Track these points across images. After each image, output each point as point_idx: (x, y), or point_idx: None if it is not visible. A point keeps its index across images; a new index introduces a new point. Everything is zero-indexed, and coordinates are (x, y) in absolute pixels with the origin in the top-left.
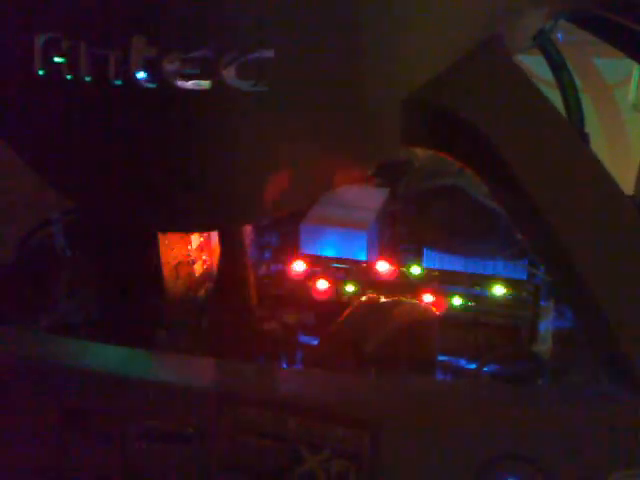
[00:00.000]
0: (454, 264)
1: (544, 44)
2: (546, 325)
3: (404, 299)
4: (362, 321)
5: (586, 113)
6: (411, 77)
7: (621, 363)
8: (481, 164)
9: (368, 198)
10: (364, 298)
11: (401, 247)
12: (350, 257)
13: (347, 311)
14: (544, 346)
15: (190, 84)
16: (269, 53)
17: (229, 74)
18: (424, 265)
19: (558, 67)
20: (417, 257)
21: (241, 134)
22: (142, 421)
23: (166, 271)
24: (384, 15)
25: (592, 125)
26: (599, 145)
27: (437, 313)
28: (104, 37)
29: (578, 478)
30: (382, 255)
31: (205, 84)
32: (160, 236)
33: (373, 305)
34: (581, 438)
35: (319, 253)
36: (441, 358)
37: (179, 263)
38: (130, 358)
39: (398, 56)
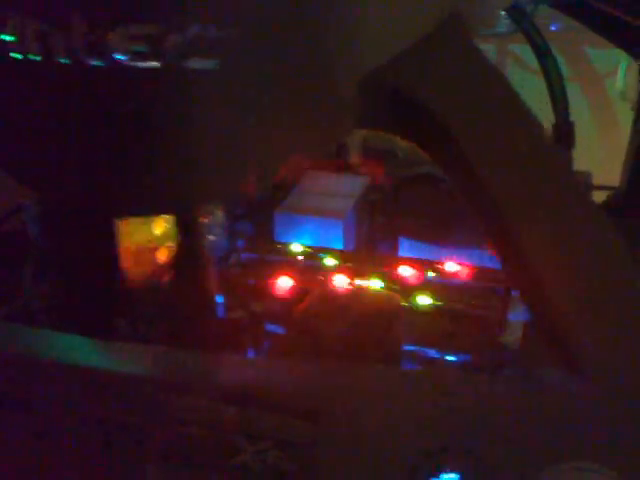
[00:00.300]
0: (429, 253)
1: (528, 30)
2: (517, 315)
3: (370, 287)
4: (323, 309)
5: (576, 102)
6: (368, 58)
7: (565, 351)
8: (437, 147)
9: (347, 186)
10: (326, 286)
11: (378, 236)
12: (326, 246)
13: (309, 299)
14: (513, 336)
15: (136, 62)
16: (217, 30)
17: (176, 52)
18: (400, 254)
19: (543, 54)
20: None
21: (193, 115)
22: (80, 409)
23: (125, 257)
24: None
25: (582, 114)
26: (589, 134)
27: (401, 302)
28: (46, 12)
29: (515, 470)
30: (360, 244)
31: (152, 62)
32: (118, 222)
33: (335, 293)
34: (519, 429)
35: (294, 241)
36: (410, 348)
37: (140, 249)
38: (72, 345)
39: (355, 36)
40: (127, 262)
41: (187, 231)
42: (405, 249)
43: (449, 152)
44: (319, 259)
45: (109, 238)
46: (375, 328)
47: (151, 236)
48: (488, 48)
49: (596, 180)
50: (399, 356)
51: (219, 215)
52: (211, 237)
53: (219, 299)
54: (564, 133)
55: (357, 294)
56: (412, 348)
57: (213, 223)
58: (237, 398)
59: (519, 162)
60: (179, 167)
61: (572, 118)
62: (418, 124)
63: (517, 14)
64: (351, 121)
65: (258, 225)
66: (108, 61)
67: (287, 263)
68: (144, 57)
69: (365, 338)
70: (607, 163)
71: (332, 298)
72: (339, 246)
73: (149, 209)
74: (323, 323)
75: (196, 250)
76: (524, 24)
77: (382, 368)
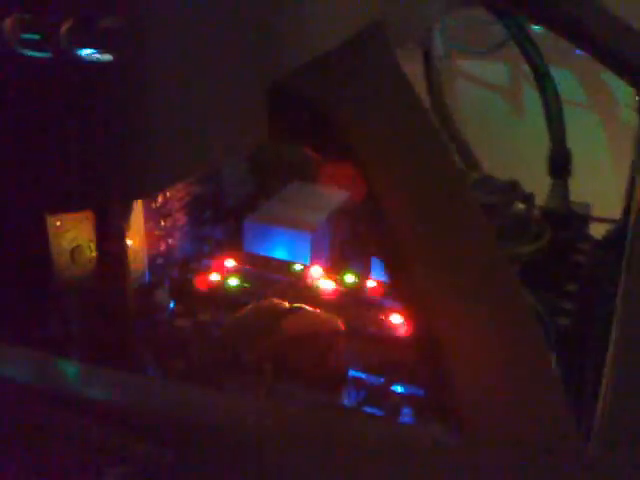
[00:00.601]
0: None
1: (526, 49)
2: None
3: (306, 307)
4: (248, 327)
5: (594, 130)
6: (279, 65)
7: (445, 403)
8: (340, 162)
9: (324, 200)
10: (259, 302)
11: (347, 254)
12: (293, 260)
13: (241, 313)
14: None
15: (28, 51)
16: (112, 21)
17: (70, 42)
18: (373, 275)
19: (540, 75)
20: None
21: (93, 108)
22: None
23: (57, 256)
24: None
25: (599, 143)
26: (604, 164)
27: (341, 325)
28: None
29: None
30: (331, 261)
31: (46, 53)
32: (50, 219)
33: (264, 310)
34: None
35: (263, 253)
36: (356, 374)
37: (76, 247)
38: None
39: (267, 41)
40: (59, 261)
41: (103, 229)
42: (377, 269)
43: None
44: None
45: (41, 237)
46: (310, 348)
47: (86, 236)
48: (501, 68)
49: (609, 212)
50: (343, 381)
51: (179, 218)
52: (169, 240)
53: (170, 305)
54: (560, 161)
55: (288, 313)
56: (358, 374)
57: (171, 226)
58: (108, 417)
59: (422, 192)
60: (92, 162)
61: (589, 147)
62: (324, 137)
63: (517, 31)
64: (261, 130)
65: (228, 233)
66: (6, 50)
67: (245, 272)
68: (36, 46)
69: (298, 357)
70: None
71: (265, 314)
72: (306, 261)
73: (69, 204)
74: (246, 339)
75: (113, 250)
76: (522, 42)
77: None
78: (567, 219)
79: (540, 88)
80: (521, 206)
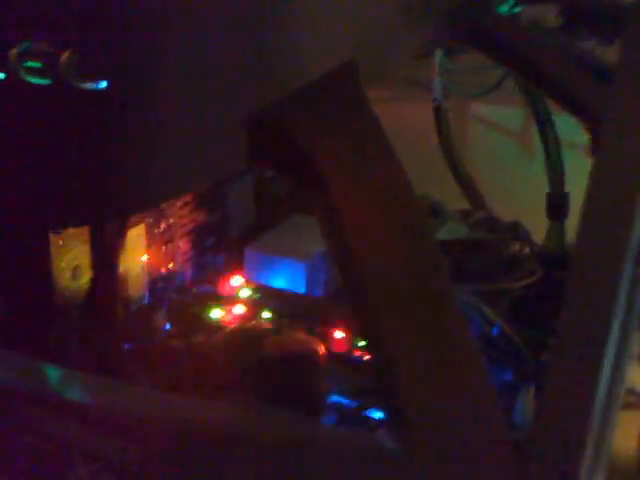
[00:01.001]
0: None
1: (530, 97)
2: None
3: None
4: (230, 346)
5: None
6: (257, 97)
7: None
8: (314, 193)
9: None
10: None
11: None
12: (290, 289)
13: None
14: None
15: (31, 78)
16: (106, 53)
17: (68, 71)
18: None
19: (542, 121)
20: None
21: (91, 128)
22: None
23: (59, 274)
24: (235, 31)
25: None
26: None
27: (320, 348)
28: None
29: None
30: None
31: (46, 80)
32: (53, 236)
33: (244, 332)
34: None
35: (262, 281)
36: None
37: (77, 266)
38: None
39: (247, 74)
40: (60, 279)
41: (97, 248)
42: None
43: (322, 201)
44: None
45: (44, 253)
46: (288, 370)
47: (86, 255)
48: (515, 113)
49: None
50: (322, 403)
51: (182, 244)
52: (171, 265)
53: (166, 327)
54: (557, 203)
55: (266, 335)
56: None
57: (173, 251)
58: (83, 415)
59: (388, 234)
60: (88, 179)
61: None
62: (299, 168)
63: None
64: (236, 158)
65: (230, 261)
66: (10, 75)
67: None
68: (40, 73)
69: (278, 377)
70: None
71: (243, 334)
72: (302, 290)
73: (68, 220)
74: (228, 357)
75: (104, 270)
76: (525, 87)
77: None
78: (562, 260)
79: (540, 132)
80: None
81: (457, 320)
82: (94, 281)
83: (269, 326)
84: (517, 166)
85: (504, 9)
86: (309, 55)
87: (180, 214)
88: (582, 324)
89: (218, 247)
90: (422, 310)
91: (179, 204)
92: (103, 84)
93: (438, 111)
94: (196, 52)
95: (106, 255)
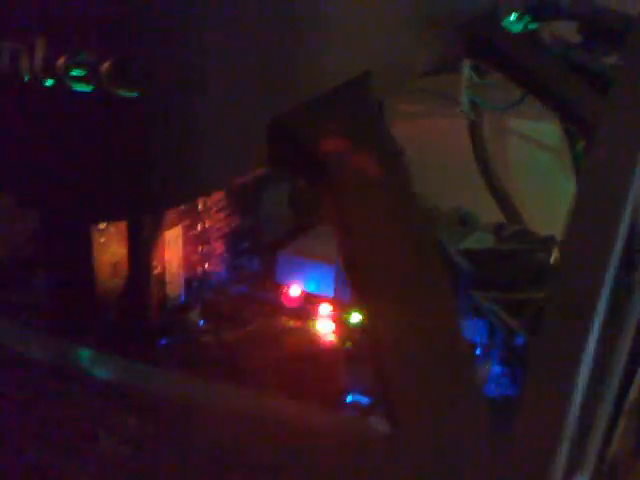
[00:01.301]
0: None
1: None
2: None
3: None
4: (252, 341)
5: None
6: (277, 104)
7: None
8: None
9: None
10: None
11: None
12: (318, 292)
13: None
14: None
15: (75, 85)
16: (139, 62)
17: (108, 79)
18: None
19: (572, 136)
20: None
21: (128, 131)
22: None
23: (100, 269)
24: (259, 39)
25: None
26: None
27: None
28: (17, 34)
29: None
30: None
31: (87, 87)
32: (95, 233)
33: (268, 328)
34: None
35: (294, 285)
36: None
37: (117, 262)
38: None
39: (268, 81)
40: (101, 274)
41: (133, 243)
42: None
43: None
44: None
45: (86, 247)
46: (310, 366)
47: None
48: (552, 128)
49: None
50: (341, 400)
51: (217, 247)
52: (206, 266)
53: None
54: None
55: (296, 331)
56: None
57: (208, 253)
58: (108, 394)
59: (391, 239)
60: (129, 175)
61: None
62: (311, 170)
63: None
64: (258, 160)
65: (265, 265)
66: (58, 83)
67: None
68: (81, 81)
69: (298, 374)
70: None
71: (267, 330)
72: (330, 293)
73: (94, 217)
74: (249, 352)
75: (140, 264)
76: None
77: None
78: None
79: (571, 147)
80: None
81: (448, 313)
82: (129, 278)
83: (290, 322)
84: (556, 181)
85: (518, 27)
86: (327, 66)
87: (216, 218)
88: (565, 319)
89: (253, 251)
90: (413, 298)
91: (215, 209)
92: (136, 93)
93: (472, 126)
94: (227, 61)
95: (142, 253)
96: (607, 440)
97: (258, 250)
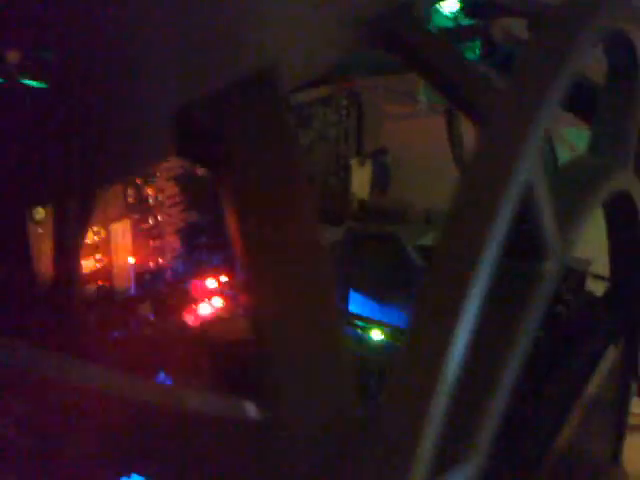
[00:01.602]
0: (373, 311)
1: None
2: None
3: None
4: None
5: None
6: (185, 93)
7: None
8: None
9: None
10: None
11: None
12: None
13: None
14: None
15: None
16: (48, 54)
17: (13, 70)
18: (349, 308)
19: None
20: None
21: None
22: None
23: (39, 263)
24: (168, 27)
25: None
26: None
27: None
28: None
29: None
30: None
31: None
32: (31, 225)
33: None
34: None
35: None
36: None
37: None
38: None
39: (173, 68)
40: (40, 269)
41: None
42: (354, 303)
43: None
44: None
45: (22, 237)
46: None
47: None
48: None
49: None
50: None
51: (172, 241)
52: (160, 260)
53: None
54: None
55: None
56: None
57: (161, 247)
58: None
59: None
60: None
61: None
62: (217, 166)
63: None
64: (165, 151)
65: (225, 260)
66: None
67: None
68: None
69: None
70: None
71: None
72: None
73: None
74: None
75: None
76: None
77: None
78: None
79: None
80: None
81: (329, 306)
82: (54, 267)
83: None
84: None
85: (448, 22)
86: (237, 54)
87: (170, 212)
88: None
89: (212, 246)
90: (295, 288)
91: (168, 204)
92: (43, 84)
93: (449, 121)
94: (130, 49)
95: (65, 241)
96: (551, 434)
97: (217, 245)
